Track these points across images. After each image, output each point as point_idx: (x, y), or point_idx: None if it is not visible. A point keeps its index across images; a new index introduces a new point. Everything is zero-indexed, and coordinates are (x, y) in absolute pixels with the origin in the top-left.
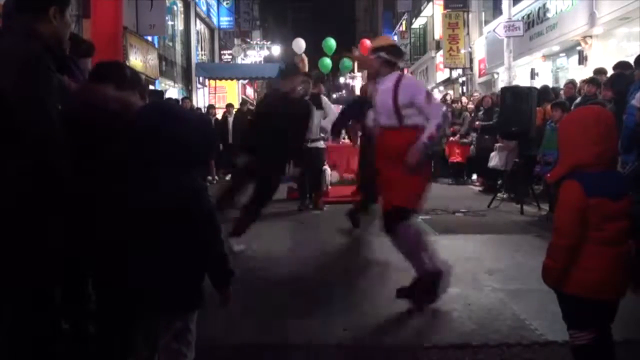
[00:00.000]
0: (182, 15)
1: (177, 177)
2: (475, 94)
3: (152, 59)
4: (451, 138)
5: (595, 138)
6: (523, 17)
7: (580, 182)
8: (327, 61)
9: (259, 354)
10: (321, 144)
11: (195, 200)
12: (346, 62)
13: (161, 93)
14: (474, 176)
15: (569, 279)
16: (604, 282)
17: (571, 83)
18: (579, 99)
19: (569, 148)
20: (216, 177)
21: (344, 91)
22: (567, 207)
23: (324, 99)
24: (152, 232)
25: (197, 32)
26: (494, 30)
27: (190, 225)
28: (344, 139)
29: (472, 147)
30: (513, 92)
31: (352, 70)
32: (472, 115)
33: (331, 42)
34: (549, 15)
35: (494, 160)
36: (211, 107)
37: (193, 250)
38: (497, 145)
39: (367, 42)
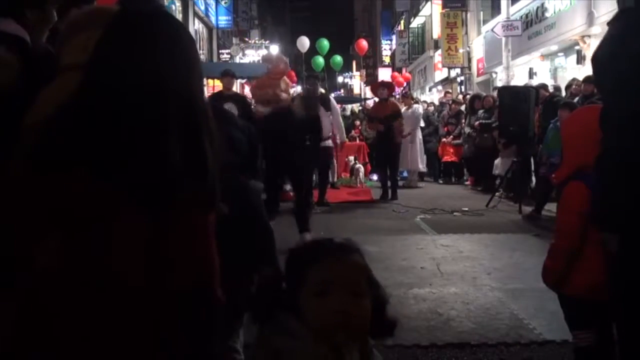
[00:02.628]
0: (180, 15)
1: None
2: (468, 95)
3: None
4: (443, 139)
5: (599, 138)
6: (521, 17)
7: (585, 183)
8: (320, 60)
9: None
10: (329, 143)
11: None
12: (336, 59)
13: None
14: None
15: (570, 280)
16: (605, 282)
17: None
18: (576, 99)
19: (573, 148)
20: None
21: (342, 90)
22: (572, 209)
23: (331, 99)
24: None
25: (196, 32)
26: (492, 30)
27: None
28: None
29: (465, 146)
30: (511, 92)
31: (351, 70)
32: (466, 114)
33: (324, 43)
34: (547, 14)
35: (498, 168)
36: None
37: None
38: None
39: (364, 43)
